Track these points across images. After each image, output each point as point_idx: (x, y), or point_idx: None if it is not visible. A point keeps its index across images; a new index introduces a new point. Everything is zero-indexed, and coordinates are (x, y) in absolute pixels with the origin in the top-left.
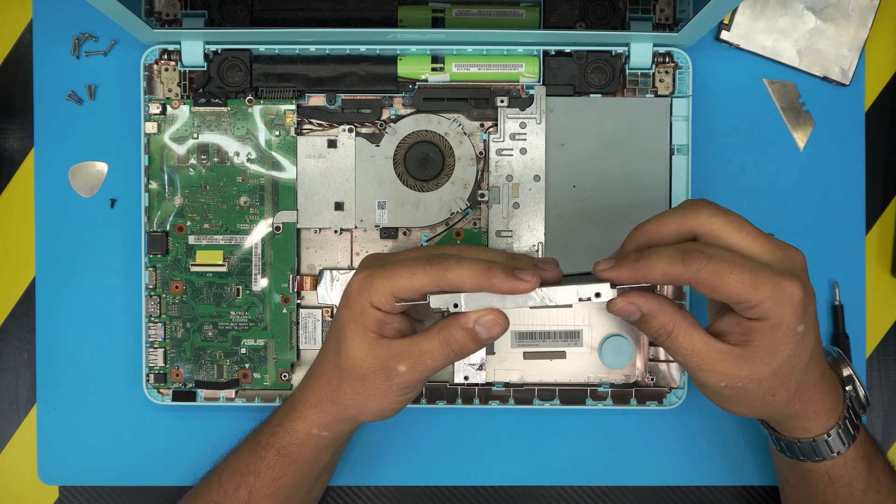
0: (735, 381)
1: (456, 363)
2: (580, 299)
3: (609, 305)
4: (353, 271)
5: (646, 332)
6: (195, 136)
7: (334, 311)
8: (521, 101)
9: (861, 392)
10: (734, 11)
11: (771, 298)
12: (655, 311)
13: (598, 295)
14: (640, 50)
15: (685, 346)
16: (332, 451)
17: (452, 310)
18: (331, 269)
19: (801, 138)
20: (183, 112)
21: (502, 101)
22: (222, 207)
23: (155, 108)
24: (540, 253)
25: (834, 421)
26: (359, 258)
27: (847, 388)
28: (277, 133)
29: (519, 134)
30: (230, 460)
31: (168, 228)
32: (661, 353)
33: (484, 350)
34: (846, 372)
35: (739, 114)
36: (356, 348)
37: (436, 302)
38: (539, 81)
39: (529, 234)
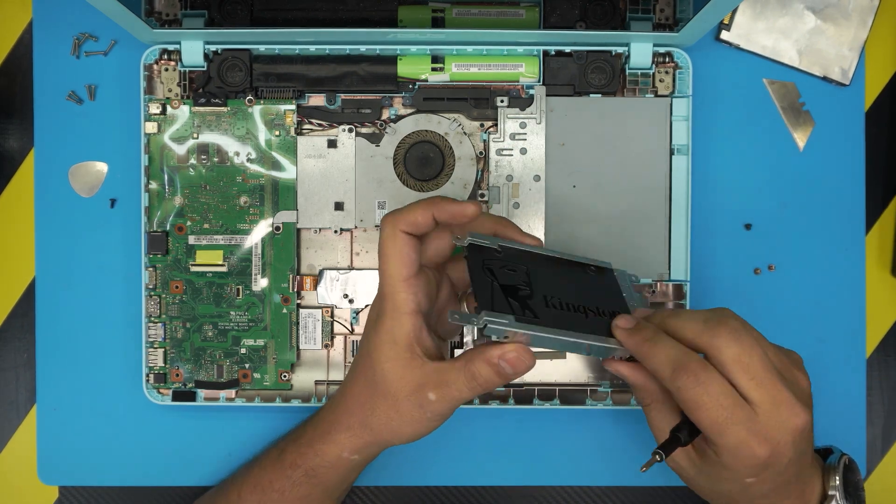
0: (683, 474)
1: None
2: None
3: (604, 362)
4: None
5: (635, 396)
6: (195, 136)
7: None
8: (521, 101)
9: None
10: (734, 11)
11: (731, 451)
12: (639, 384)
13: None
14: (640, 50)
15: (654, 424)
16: (359, 471)
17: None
18: (331, 269)
19: (801, 138)
20: (183, 112)
21: (502, 101)
22: (222, 207)
23: (155, 108)
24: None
25: None
26: (359, 258)
27: None
28: (277, 133)
29: (519, 134)
30: (252, 474)
31: (168, 228)
32: None
33: None
34: (831, 491)
35: (739, 114)
36: (389, 371)
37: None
38: (539, 81)
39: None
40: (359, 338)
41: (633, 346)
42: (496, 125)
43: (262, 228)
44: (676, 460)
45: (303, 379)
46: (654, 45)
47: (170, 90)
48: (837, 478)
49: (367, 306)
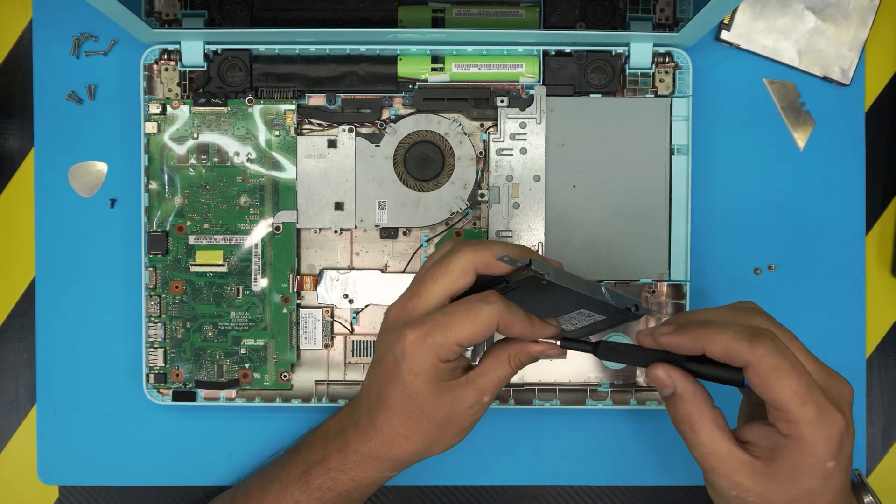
0: (747, 496)
1: None
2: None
3: (647, 370)
4: (389, 326)
5: (670, 413)
6: (195, 136)
7: (380, 374)
8: (521, 101)
9: None
10: (734, 11)
11: (812, 422)
12: (689, 395)
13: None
14: (640, 50)
15: (704, 444)
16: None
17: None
18: (331, 269)
19: (801, 138)
20: (183, 112)
21: (502, 101)
22: (222, 207)
23: (155, 108)
24: (540, 253)
25: None
26: (359, 258)
27: None
28: (277, 133)
29: (519, 134)
30: (272, 491)
31: (168, 228)
32: None
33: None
34: (867, 499)
35: (739, 114)
36: (446, 404)
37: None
38: (539, 81)
39: (529, 234)
40: (358, 338)
41: (689, 340)
42: (496, 125)
43: (262, 228)
44: (735, 478)
45: (303, 379)
46: (654, 45)
47: (170, 90)
48: (868, 494)
49: (367, 306)
